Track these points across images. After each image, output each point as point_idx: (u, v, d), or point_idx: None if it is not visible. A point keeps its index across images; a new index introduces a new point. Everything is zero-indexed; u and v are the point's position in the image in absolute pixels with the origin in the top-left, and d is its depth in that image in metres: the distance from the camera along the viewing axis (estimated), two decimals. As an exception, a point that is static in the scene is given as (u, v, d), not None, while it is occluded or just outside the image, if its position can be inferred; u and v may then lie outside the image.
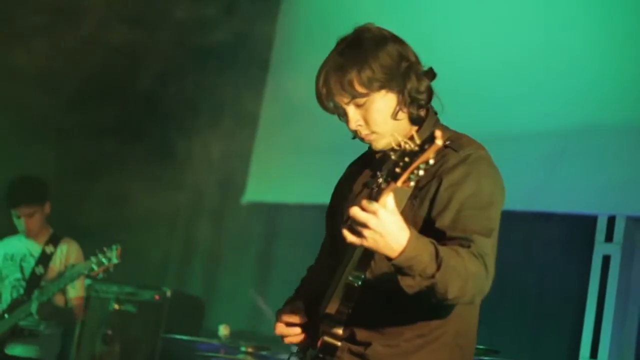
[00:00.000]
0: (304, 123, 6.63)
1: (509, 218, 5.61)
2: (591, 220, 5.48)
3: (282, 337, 2.67)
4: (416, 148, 2.15)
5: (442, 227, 2.39)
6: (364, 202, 2.15)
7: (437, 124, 2.58)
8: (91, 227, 6.13)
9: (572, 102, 5.43)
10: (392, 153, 2.22)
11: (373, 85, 2.45)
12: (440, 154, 2.37)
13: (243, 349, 5.10)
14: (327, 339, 2.45)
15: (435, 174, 2.43)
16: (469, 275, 2.27)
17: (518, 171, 5.42)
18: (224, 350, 5.25)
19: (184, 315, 6.42)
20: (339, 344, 2.44)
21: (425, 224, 2.43)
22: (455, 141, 2.47)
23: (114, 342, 5.63)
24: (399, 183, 2.17)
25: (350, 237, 2.18)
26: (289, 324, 2.65)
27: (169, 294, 6.30)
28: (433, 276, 2.22)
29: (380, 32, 2.53)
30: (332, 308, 2.44)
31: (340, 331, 2.44)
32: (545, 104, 5.51)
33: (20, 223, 5.25)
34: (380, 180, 2.48)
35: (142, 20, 6.58)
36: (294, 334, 2.64)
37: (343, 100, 2.50)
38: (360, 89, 2.46)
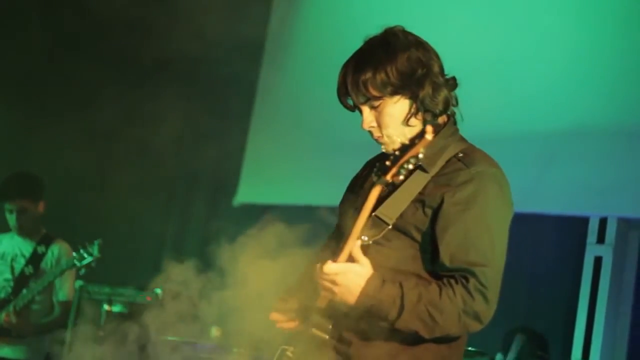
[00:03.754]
0: (296, 125, 6.64)
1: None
2: (583, 222, 5.49)
3: (275, 322, 2.74)
4: (407, 142, 2.28)
5: (443, 259, 2.43)
6: (324, 265, 2.37)
7: (455, 133, 2.59)
8: (81, 229, 6.10)
9: (564, 103, 5.44)
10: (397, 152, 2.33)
11: (386, 90, 2.47)
12: (452, 167, 2.45)
13: (235, 350, 5.09)
14: (315, 331, 2.48)
15: (443, 186, 2.45)
16: (449, 317, 2.37)
17: (509, 172, 5.38)
18: (215, 351, 5.24)
19: (175, 316, 6.40)
20: (326, 337, 2.47)
21: (427, 232, 2.47)
22: (468, 155, 2.49)
23: (105, 344, 5.61)
24: (389, 176, 2.31)
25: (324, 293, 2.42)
26: (282, 310, 2.71)
27: (160, 295, 6.28)
28: (393, 323, 2.38)
29: (406, 37, 2.54)
30: (322, 302, 2.47)
31: (329, 325, 2.48)
32: (537, 105, 5.51)
33: (11, 218, 5.20)
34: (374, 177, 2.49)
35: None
36: (285, 320, 2.70)
37: (359, 99, 2.53)
38: (373, 91, 2.48)
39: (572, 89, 5.42)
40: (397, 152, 2.30)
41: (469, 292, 2.38)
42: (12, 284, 5.17)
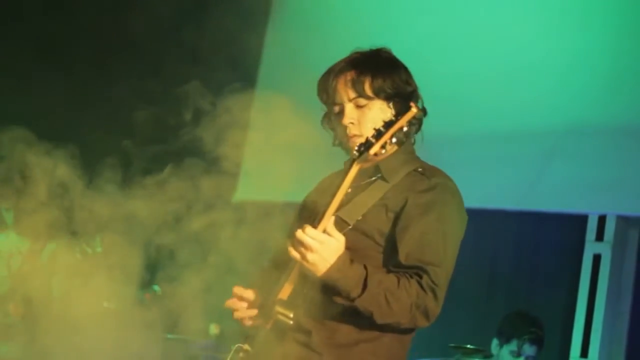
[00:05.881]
0: (296, 121, 6.63)
1: (501, 217, 5.68)
2: (582, 220, 5.49)
3: (232, 310, 2.85)
4: (392, 118, 2.45)
5: (400, 256, 2.56)
6: (306, 228, 2.44)
7: (414, 152, 2.76)
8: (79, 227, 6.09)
9: (563, 102, 5.44)
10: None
11: (380, 94, 2.67)
12: (413, 178, 2.65)
13: (233, 347, 5.09)
14: (279, 317, 2.58)
15: (404, 192, 2.62)
16: (403, 306, 2.49)
17: (509, 170, 5.42)
18: (213, 349, 5.25)
19: (174, 313, 6.40)
20: (290, 322, 2.57)
21: (389, 234, 2.61)
22: (428, 170, 2.69)
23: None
24: (372, 151, 2.44)
25: (294, 253, 2.48)
26: (240, 299, 2.81)
27: (159, 292, 6.28)
28: (354, 300, 2.49)
29: (396, 58, 2.77)
30: (284, 294, 2.58)
31: (291, 314, 2.57)
32: (537, 103, 5.51)
33: (8, 216, 5.22)
34: (355, 153, 2.57)
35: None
36: (241, 308, 2.82)
37: (348, 95, 2.70)
38: (368, 91, 2.67)
39: (572, 87, 5.42)
40: (381, 128, 2.45)
41: (422, 287, 2.51)
42: (8, 281, 5.18)
